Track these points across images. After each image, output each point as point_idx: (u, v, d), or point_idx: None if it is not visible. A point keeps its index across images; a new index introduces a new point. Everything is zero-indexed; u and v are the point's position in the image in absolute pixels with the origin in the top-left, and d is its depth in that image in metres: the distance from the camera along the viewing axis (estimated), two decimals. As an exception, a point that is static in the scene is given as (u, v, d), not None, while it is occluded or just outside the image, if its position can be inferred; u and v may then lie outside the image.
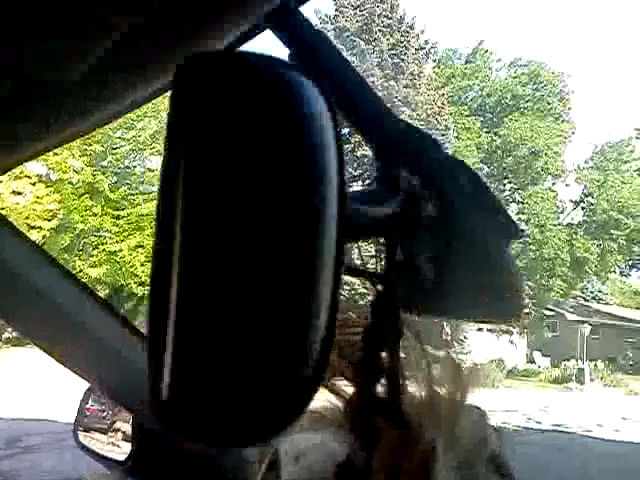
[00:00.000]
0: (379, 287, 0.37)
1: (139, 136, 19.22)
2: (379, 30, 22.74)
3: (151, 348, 0.26)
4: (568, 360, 23.64)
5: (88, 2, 0.37)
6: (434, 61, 27.48)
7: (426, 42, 25.73)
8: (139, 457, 1.13)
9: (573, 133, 29.76)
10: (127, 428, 1.19)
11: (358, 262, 0.39)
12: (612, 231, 28.38)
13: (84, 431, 1.25)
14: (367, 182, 0.39)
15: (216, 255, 0.24)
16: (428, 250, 0.36)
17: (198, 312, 0.24)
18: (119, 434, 1.21)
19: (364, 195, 0.38)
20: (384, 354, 0.36)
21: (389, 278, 0.37)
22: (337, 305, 0.26)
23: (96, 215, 18.68)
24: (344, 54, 0.39)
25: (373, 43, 22.58)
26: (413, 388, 0.38)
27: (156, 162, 21.80)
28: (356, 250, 0.43)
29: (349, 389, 0.37)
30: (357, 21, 22.42)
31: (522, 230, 0.43)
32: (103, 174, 19.82)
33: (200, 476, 1.11)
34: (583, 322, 25.77)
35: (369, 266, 0.39)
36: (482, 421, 0.39)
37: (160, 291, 0.25)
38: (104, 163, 20.12)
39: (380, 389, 0.36)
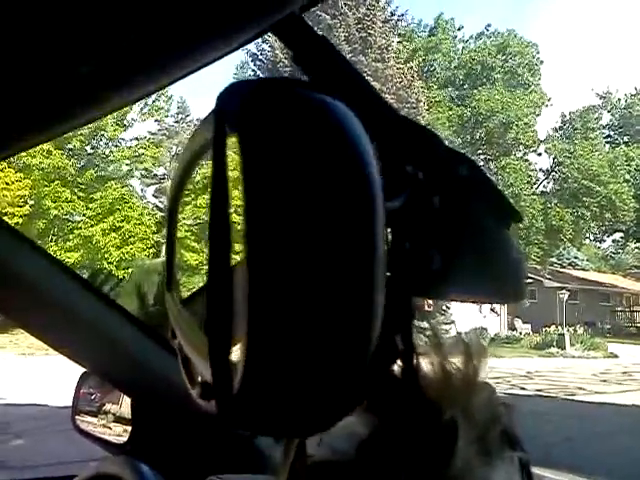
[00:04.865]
0: (388, 274, 0.39)
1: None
2: (345, 4, 22.58)
3: (213, 346, 0.27)
4: (548, 326, 24.02)
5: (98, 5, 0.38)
6: (399, 35, 27.36)
7: (392, 14, 25.63)
8: (138, 440, 1.15)
9: (543, 103, 29.98)
10: (117, 410, 1.22)
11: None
12: (584, 199, 28.76)
13: (77, 415, 1.27)
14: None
15: (286, 258, 0.26)
16: (435, 239, 0.38)
17: (271, 311, 0.26)
18: (109, 416, 1.23)
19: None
20: (397, 336, 0.38)
21: (398, 265, 0.39)
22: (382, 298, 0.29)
23: (67, 200, 18.42)
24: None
25: (339, 17, 22.43)
26: (427, 367, 0.40)
27: (122, 140, 21.62)
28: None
29: None
30: (323, -3, 22.19)
31: (520, 214, 0.45)
32: (70, 157, 19.57)
33: (198, 456, 1.14)
34: (561, 288, 26.18)
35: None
36: (493, 397, 0.41)
37: (221, 291, 0.27)
38: (70, 146, 19.83)
39: (396, 369, 0.38)
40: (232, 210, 0.28)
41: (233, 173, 0.28)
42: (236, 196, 0.27)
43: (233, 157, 0.28)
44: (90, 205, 18.80)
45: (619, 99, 33.61)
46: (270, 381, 0.27)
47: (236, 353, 0.27)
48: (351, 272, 0.27)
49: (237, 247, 0.28)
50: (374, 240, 0.28)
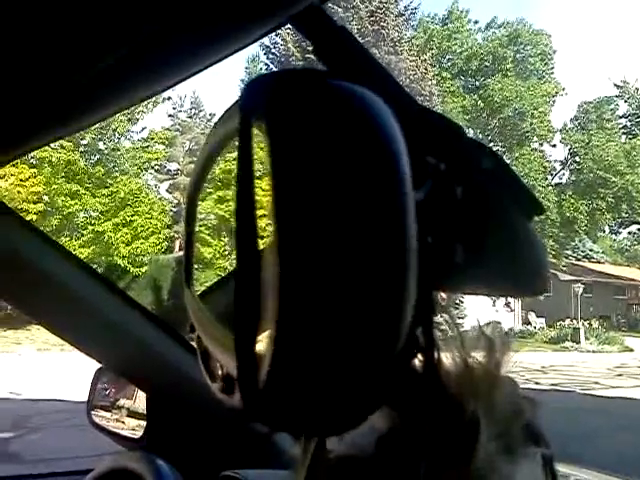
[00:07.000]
0: None
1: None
2: (357, -3, 22.51)
3: (239, 337, 0.26)
4: (563, 320, 23.88)
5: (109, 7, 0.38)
6: (413, 27, 27.26)
7: (405, 8, 25.53)
8: (153, 434, 1.16)
9: (557, 93, 29.70)
10: (131, 405, 1.23)
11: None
12: (600, 190, 28.47)
13: (92, 409, 1.29)
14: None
15: (316, 250, 0.26)
16: (457, 232, 0.38)
17: (301, 303, 0.25)
18: (123, 411, 1.24)
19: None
20: (418, 330, 0.37)
21: (420, 258, 0.38)
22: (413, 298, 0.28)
23: (80, 195, 18.50)
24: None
25: (352, 10, 22.34)
26: (448, 361, 0.39)
27: (133, 135, 21.84)
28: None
29: None
30: (335, -11, 22.14)
31: (543, 206, 0.44)
32: (84, 153, 19.82)
33: (213, 451, 1.14)
34: (576, 281, 26.00)
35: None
36: (515, 391, 0.41)
37: (249, 281, 0.26)
38: (84, 142, 20.00)
39: (417, 364, 0.37)
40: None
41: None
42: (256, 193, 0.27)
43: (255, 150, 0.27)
44: (103, 201, 18.87)
45: (637, 89, 33.15)
46: (299, 375, 0.26)
47: (261, 345, 0.26)
48: (384, 266, 0.27)
49: (261, 241, 0.27)
50: (405, 231, 0.27)
